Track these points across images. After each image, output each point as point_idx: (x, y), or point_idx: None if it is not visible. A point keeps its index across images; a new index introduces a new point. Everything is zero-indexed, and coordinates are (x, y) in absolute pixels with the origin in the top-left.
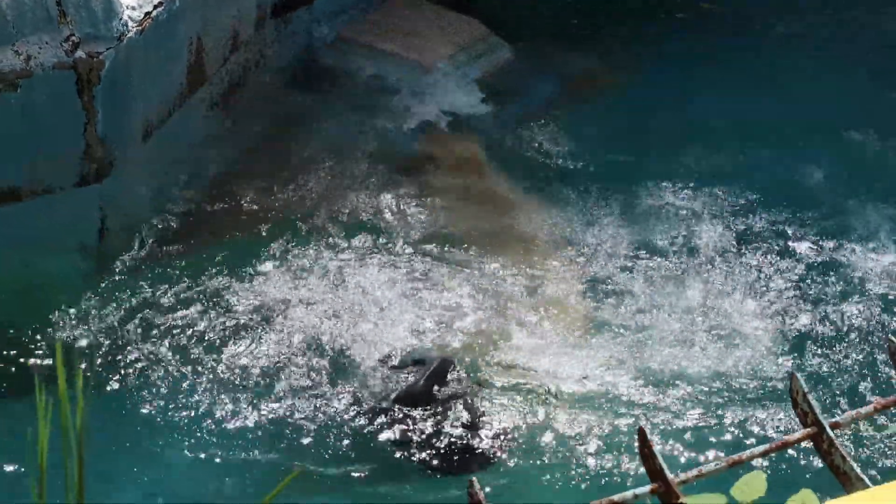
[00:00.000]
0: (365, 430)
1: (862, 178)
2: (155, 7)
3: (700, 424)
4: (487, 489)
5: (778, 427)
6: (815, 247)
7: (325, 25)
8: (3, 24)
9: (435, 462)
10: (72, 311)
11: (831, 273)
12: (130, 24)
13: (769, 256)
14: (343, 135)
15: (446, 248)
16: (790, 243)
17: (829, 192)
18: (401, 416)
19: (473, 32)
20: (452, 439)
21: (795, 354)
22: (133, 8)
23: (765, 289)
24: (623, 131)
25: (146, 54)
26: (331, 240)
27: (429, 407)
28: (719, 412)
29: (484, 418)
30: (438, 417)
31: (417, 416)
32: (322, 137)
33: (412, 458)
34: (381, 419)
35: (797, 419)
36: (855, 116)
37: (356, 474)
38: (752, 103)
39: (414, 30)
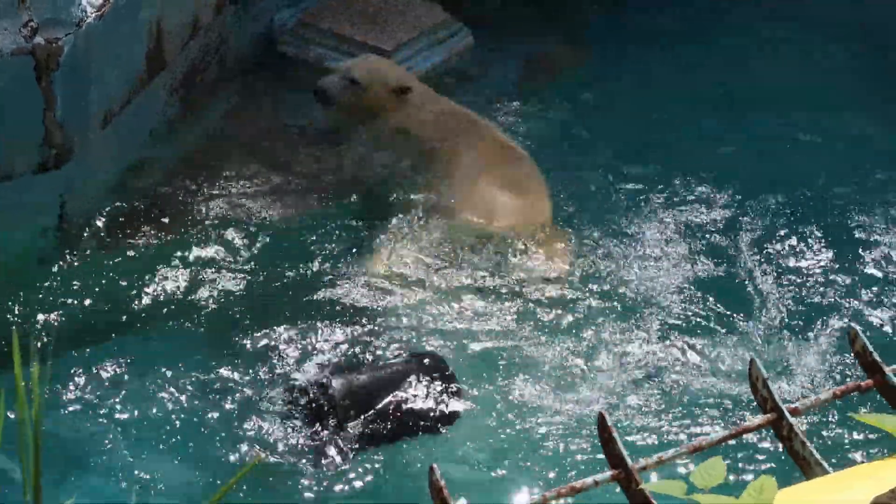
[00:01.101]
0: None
1: (835, 153)
2: None
3: (660, 410)
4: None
5: (738, 413)
6: (778, 229)
7: (286, 10)
8: None
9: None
10: (29, 297)
11: (796, 257)
12: (89, 9)
13: (732, 238)
14: (300, 120)
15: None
16: (753, 226)
17: (796, 165)
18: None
19: (435, 17)
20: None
21: (755, 340)
22: None
23: (726, 272)
24: (586, 111)
25: (105, 39)
26: (297, 226)
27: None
28: (680, 398)
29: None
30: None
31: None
32: (280, 123)
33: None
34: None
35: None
36: (819, 90)
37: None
38: (721, 78)
39: (375, 15)
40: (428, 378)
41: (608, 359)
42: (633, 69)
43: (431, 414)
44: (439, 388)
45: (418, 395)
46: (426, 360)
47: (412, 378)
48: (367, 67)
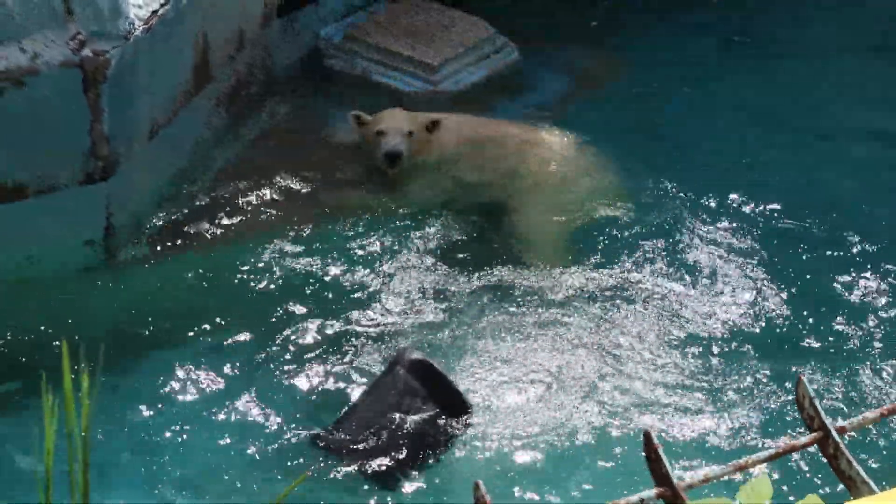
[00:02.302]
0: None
1: (874, 178)
2: (161, 5)
3: (707, 428)
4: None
5: (785, 431)
6: (824, 248)
7: (332, 25)
8: (9, 21)
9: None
10: (76, 308)
11: (840, 276)
12: (137, 22)
13: (778, 257)
14: (348, 134)
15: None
16: (798, 244)
17: (841, 191)
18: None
19: (480, 33)
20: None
21: (802, 358)
22: (139, 6)
23: (772, 291)
24: (631, 126)
25: (152, 53)
26: (336, 239)
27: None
28: (726, 415)
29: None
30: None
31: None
32: (334, 134)
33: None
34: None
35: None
36: (872, 113)
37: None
38: (763, 96)
39: (421, 30)
40: (425, 392)
41: (645, 372)
42: (682, 85)
43: (438, 434)
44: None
45: (418, 418)
46: (416, 370)
47: (407, 399)
48: (394, 121)
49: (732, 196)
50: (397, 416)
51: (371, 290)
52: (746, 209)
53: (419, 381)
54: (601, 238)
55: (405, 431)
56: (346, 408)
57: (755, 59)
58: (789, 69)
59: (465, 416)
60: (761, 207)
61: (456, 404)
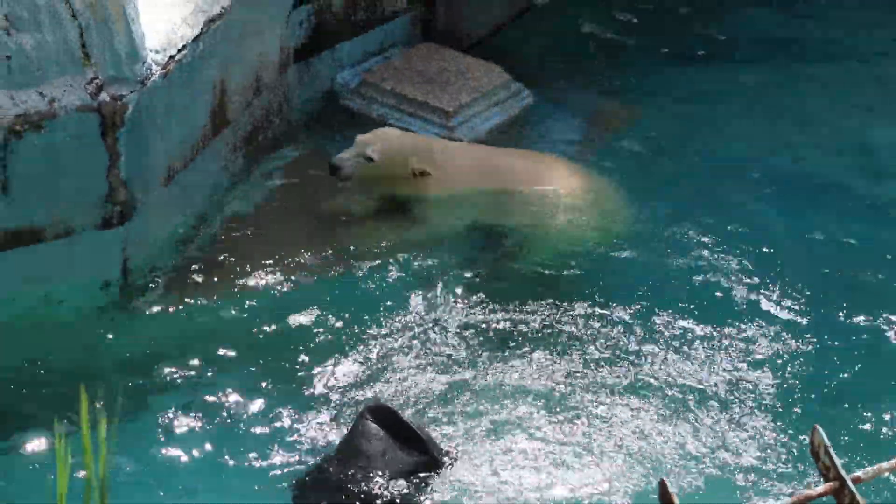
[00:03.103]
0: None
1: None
2: (179, 50)
3: (720, 476)
4: None
5: (799, 480)
6: (838, 293)
7: (348, 70)
8: (27, 66)
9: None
10: (93, 353)
11: (855, 321)
12: (154, 66)
13: (793, 302)
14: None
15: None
16: (813, 289)
17: (858, 232)
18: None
19: (495, 79)
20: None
21: (817, 405)
22: (157, 51)
23: (788, 336)
24: (647, 170)
25: (169, 97)
26: (350, 284)
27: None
28: (740, 464)
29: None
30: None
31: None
32: (348, 181)
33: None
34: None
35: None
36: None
37: None
38: (778, 138)
39: (436, 76)
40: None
41: (653, 417)
42: (698, 125)
43: (406, 482)
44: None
45: (385, 466)
46: (381, 418)
47: (374, 446)
48: (381, 145)
49: (747, 241)
50: (365, 465)
51: (380, 337)
52: (762, 255)
53: (385, 429)
54: (607, 277)
55: (372, 481)
56: (320, 458)
57: (777, 112)
58: (815, 102)
59: (435, 466)
60: (777, 254)
61: (424, 452)
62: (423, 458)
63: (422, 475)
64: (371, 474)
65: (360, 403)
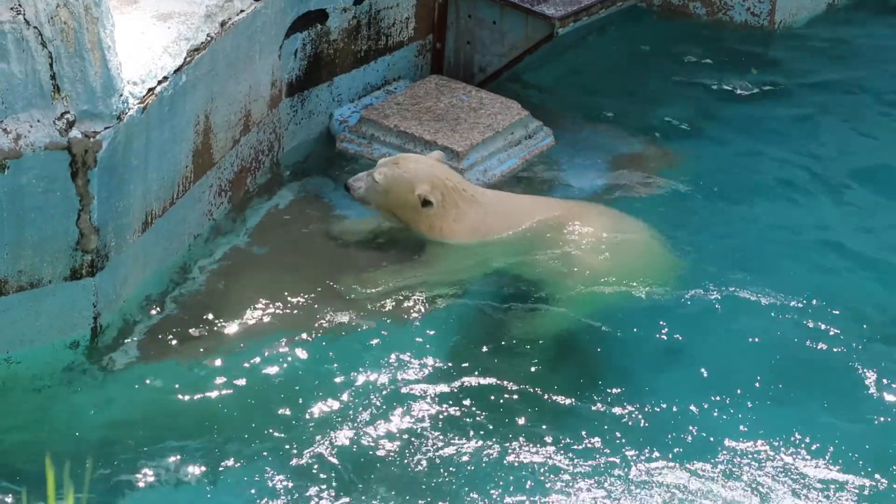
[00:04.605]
0: None
1: None
2: (159, 82)
3: None
4: None
5: None
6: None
7: (347, 106)
8: None
9: None
10: (59, 416)
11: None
12: (131, 100)
13: (830, 370)
14: (363, 226)
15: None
16: (856, 360)
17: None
18: None
19: (511, 115)
20: None
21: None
22: (135, 83)
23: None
24: (678, 223)
25: (148, 134)
26: (340, 342)
27: None
28: None
29: None
30: None
31: None
32: (339, 229)
33: None
34: None
35: None
36: None
37: None
38: (812, 175)
39: (445, 112)
40: None
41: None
42: (728, 167)
43: None
44: None
45: None
46: None
47: None
48: (390, 169)
49: (781, 298)
50: None
51: (369, 401)
52: (799, 310)
53: None
54: (638, 352)
55: None
56: None
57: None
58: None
59: None
60: (815, 312)
61: None
62: None
63: None
64: None
65: (347, 472)
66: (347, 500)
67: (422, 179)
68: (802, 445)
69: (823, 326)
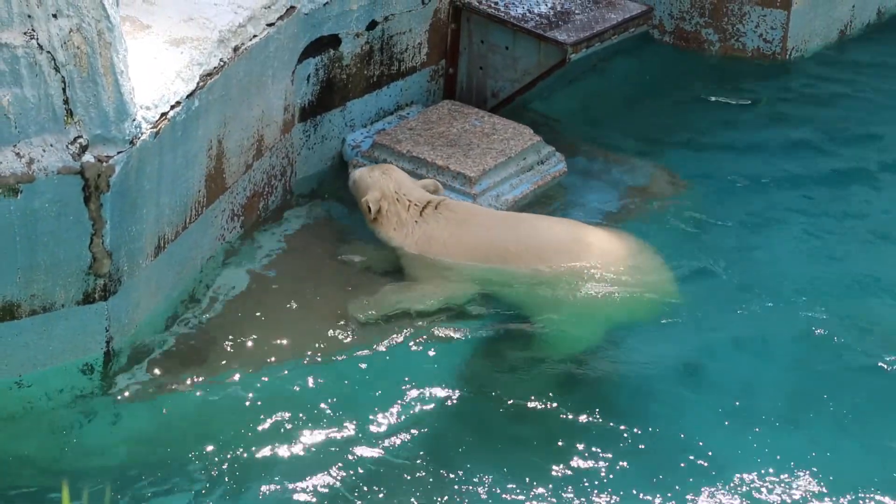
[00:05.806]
0: None
1: None
2: (172, 107)
3: None
4: None
5: None
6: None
7: (360, 131)
8: (3, 123)
9: None
10: (71, 442)
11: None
12: (144, 125)
13: (843, 405)
14: (374, 252)
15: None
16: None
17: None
18: None
19: (524, 141)
20: None
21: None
22: (147, 108)
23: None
24: (692, 253)
25: (161, 159)
26: (349, 370)
27: None
28: None
29: None
30: None
31: None
32: (353, 254)
33: None
34: None
35: None
36: None
37: None
38: (824, 203)
39: (458, 137)
40: None
41: None
42: (741, 194)
43: None
44: None
45: None
46: None
47: None
48: (357, 172)
49: (793, 322)
50: None
51: (379, 431)
52: (812, 334)
53: None
54: (645, 385)
55: None
56: None
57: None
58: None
59: None
60: (828, 336)
61: None
62: None
63: None
64: None
65: (362, 494)
66: None
67: (374, 188)
68: (817, 469)
69: (837, 350)
